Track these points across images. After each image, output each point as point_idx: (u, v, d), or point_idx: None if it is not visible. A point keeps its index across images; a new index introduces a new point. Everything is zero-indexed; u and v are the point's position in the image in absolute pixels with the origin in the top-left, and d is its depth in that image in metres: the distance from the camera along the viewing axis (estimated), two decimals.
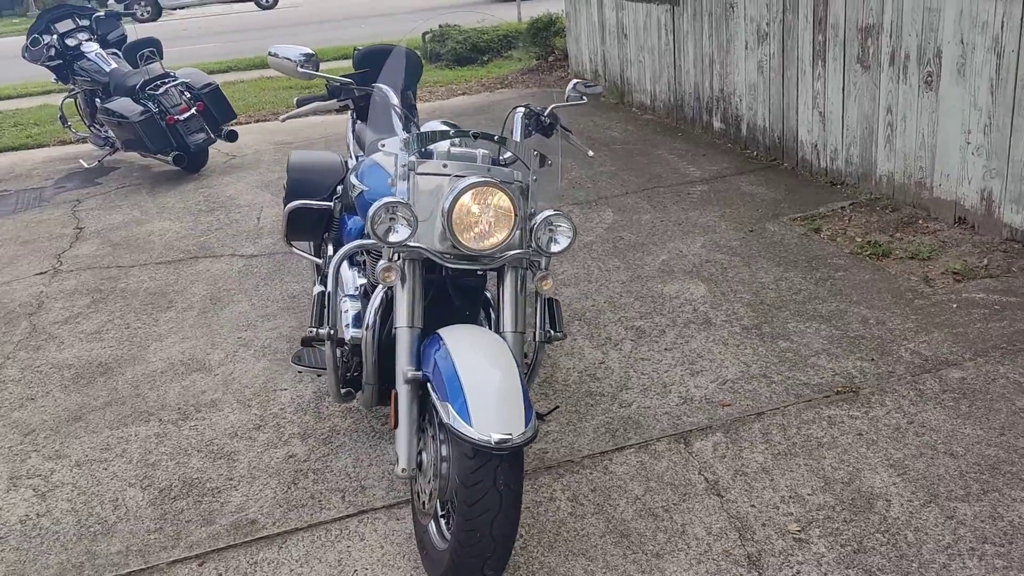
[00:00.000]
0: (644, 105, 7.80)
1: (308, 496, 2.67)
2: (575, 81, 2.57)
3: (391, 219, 2.15)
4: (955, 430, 2.69)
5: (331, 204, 3.39)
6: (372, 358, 2.51)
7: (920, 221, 4.48)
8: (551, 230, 2.25)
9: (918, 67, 4.43)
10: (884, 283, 3.80)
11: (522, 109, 2.57)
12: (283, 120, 2.70)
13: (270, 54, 2.61)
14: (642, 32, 7.64)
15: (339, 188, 3.39)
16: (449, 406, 1.96)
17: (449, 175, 2.24)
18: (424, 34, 12.77)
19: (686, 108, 7.00)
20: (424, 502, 2.21)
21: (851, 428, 2.76)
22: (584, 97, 2.64)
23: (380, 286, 2.50)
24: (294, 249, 3.65)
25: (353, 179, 2.63)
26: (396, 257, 2.26)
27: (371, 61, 3.54)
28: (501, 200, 2.17)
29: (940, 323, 3.38)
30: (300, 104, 2.70)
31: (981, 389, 2.90)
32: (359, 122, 3.54)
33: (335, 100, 2.57)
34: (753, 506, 2.44)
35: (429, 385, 2.14)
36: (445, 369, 2.04)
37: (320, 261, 3.45)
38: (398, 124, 2.45)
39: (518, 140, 2.48)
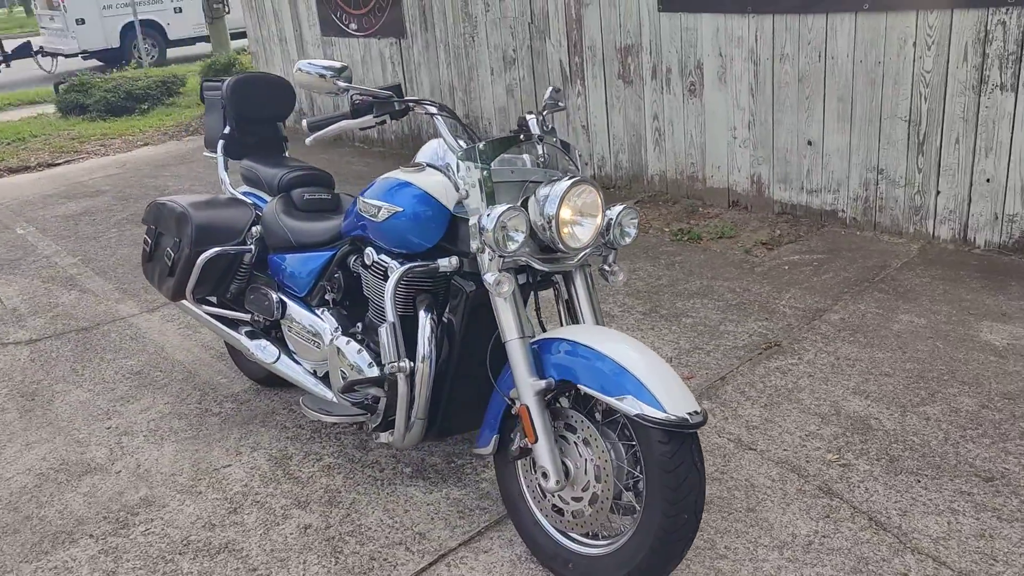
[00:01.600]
0: (372, 139, 7.83)
1: (369, 559, 2.37)
2: (551, 88, 2.65)
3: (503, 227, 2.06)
4: (872, 357, 3.26)
5: (250, 248, 3.01)
6: (427, 391, 2.33)
7: (700, 209, 5.20)
8: (620, 223, 2.31)
9: (681, 78, 5.15)
10: (719, 259, 4.38)
11: (533, 115, 2.56)
12: (311, 142, 2.39)
13: (299, 69, 2.28)
14: (360, 66, 7.67)
15: (254, 230, 3.02)
16: (632, 397, 1.93)
17: (523, 180, 2.20)
18: (57, 84, 11.32)
19: (424, 136, 7.18)
20: (572, 512, 2.12)
21: (801, 372, 3.19)
22: (560, 103, 2.72)
23: (424, 314, 2.34)
24: (187, 305, 3.16)
25: (376, 200, 2.40)
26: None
27: (248, 90, 3.22)
28: (592, 197, 2.18)
29: (787, 282, 4.01)
30: (313, 127, 2.39)
31: (860, 324, 3.53)
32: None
33: (369, 117, 2.32)
34: (786, 450, 2.73)
35: (569, 390, 2.08)
36: (603, 366, 2.00)
37: (247, 315, 3.04)
38: (448, 135, 2.30)
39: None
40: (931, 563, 2.20)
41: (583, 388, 2.03)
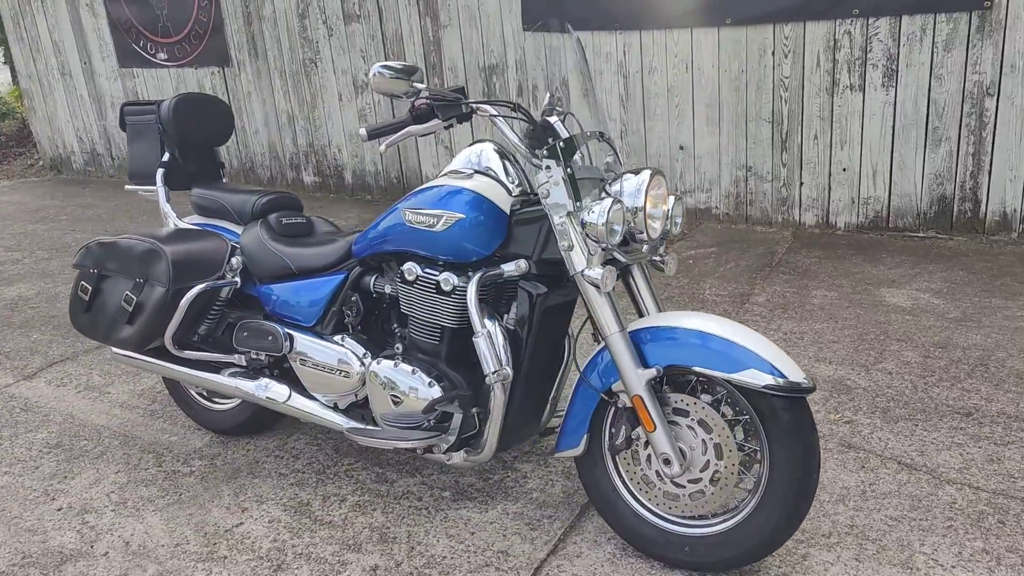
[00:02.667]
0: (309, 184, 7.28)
1: None
2: (548, 95, 2.68)
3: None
4: (813, 329, 3.59)
5: (235, 281, 2.73)
6: (504, 398, 2.26)
7: None
8: (672, 214, 2.38)
9: (547, 94, 5.33)
10: None
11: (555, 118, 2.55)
12: (385, 150, 2.18)
13: (378, 73, 2.09)
14: None
15: (234, 261, 2.74)
16: (753, 370, 2.00)
17: (591, 177, 2.22)
18: None
19: (259, 169, 6.81)
20: (689, 494, 2.14)
21: None
22: (558, 108, 2.75)
23: (490, 322, 2.27)
24: (135, 356, 2.79)
25: (431, 210, 2.27)
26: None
27: (191, 111, 2.93)
28: (663, 188, 2.24)
29: (700, 274, 4.30)
30: (372, 135, 2.20)
31: (785, 302, 3.87)
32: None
33: (436, 121, 2.17)
34: None
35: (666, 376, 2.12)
36: (712, 345, 2.05)
37: (232, 356, 2.73)
38: (512, 136, 2.22)
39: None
40: (969, 490, 2.48)
41: (700, 370, 2.06)
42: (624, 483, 2.28)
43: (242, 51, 6.52)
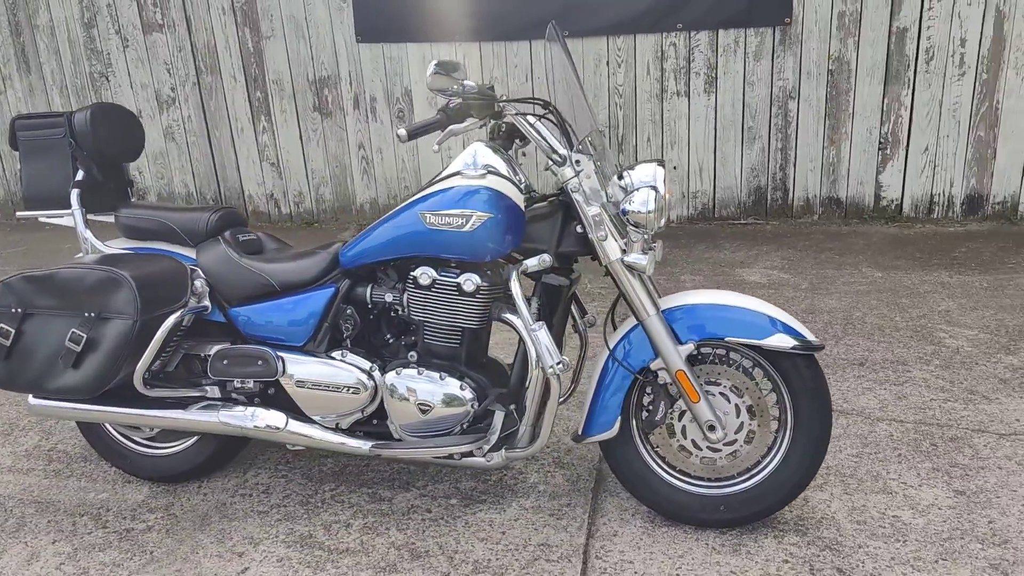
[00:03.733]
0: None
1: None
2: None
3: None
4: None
5: (206, 305, 2.47)
6: (560, 388, 2.30)
7: None
8: None
9: (388, 106, 5.30)
10: None
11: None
12: (438, 150, 2.04)
13: (435, 72, 1.96)
14: None
15: (198, 284, 2.48)
16: (780, 334, 2.23)
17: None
18: None
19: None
20: (725, 456, 2.31)
21: None
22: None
23: (512, 317, 2.30)
24: (58, 406, 2.46)
25: (459, 210, 2.22)
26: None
27: (112, 123, 2.62)
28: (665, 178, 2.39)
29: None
30: (413, 135, 2.07)
31: (663, 288, 4.21)
32: None
33: (473, 119, 2.10)
34: None
35: (708, 347, 2.28)
36: (738, 316, 2.25)
37: (209, 390, 2.46)
38: (549, 136, 2.22)
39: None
40: (896, 424, 2.91)
41: (732, 339, 2.25)
42: (653, 457, 2.40)
43: (9, 65, 5.71)
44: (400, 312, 2.43)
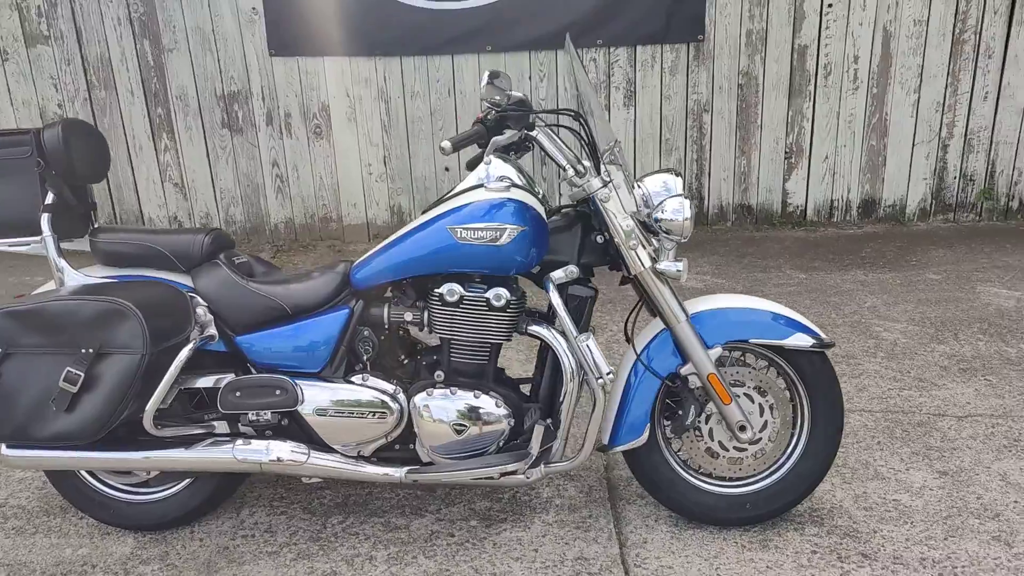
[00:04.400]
0: None
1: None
2: (488, 73, 2.61)
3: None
4: None
5: (212, 334, 2.29)
6: (604, 399, 2.29)
7: (342, 247, 5.26)
8: None
9: (304, 122, 5.10)
10: None
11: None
12: (490, 160, 2.00)
13: (488, 84, 1.89)
14: None
15: (200, 312, 2.29)
16: (799, 334, 2.32)
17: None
18: None
19: None
20: (752, 454, 2.37)
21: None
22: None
23: (545, 330, 2.29)
24: (49, 458, 2.21)
25: (493, 224, 2.17)
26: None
27: (84, 141, 2.40)
28: None
29: None
30: (457, 146, 2.02)
31: (613, 296, 4.28)
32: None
33: (512, 131, 2.06)
34: None
35: (733, 350, 2.34)
36: (758, 319, 2.33)
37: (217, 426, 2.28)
38: (564, 152, 2.19)
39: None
40: (868, 415, 3.10)
41: (756, 340, 2.33)
42: (678, 461, 2.44)
43: None
44: (419, 331, 2.36)
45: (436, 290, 2.28)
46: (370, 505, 2.61)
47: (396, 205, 5.29)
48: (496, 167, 2.33)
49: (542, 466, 2.30)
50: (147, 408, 2.16)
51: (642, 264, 2.25)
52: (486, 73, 2.11)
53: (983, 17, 4.95)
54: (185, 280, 2.33)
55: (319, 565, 2.34)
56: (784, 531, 2.43)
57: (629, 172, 2.31)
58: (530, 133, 2.28)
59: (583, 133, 2.30)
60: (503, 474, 2.29)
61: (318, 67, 5.01)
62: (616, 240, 2.25)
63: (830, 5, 4.93)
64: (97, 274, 2.35)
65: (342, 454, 2.33)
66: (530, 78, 5.04)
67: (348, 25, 4.88)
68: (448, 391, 2.28)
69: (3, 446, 2.25)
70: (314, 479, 2.37)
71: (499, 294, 2.25)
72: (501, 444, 2.30)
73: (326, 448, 2.32)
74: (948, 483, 2.63)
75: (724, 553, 2.34)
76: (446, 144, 2.09)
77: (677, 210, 2.20)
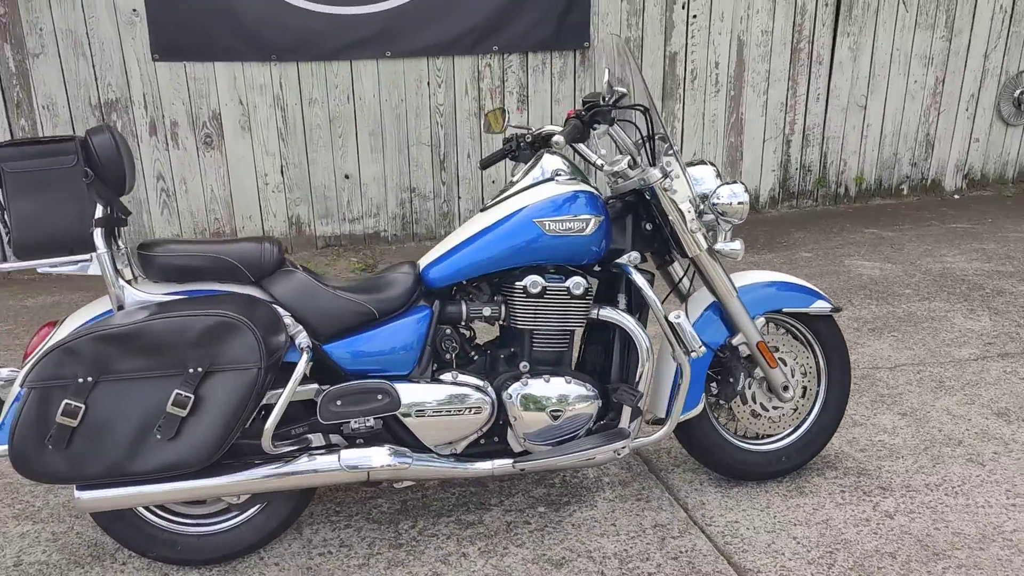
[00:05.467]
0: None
1: (674, 561, 2.34)
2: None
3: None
4: None
5: (311, 343, 2.20)
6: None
7: None
8: None
9: (193, 132, 4.79)
10: None
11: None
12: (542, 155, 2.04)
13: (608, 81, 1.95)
14: None
15: (288, 322, 2.19)
16: (820, 301, 2.64)
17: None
18: None
19: None
20: (789, 409, 2.65)
21: None
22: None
23: (619, 314, 2.45)
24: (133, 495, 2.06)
25: (580, 215, 2.27)
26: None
27: (126, 149, 2.24)
28: None
29: None
30: (569, 139, 2.28)
31: None
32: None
33: (602, 127, 2.16)
34: None
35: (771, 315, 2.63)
36: (787, 290, 2.63)
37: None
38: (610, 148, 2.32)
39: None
40: None
41: (789, 309, 2.63)
42: (721, 427, 2.68)
43: None
44: (492, 325, 2.42)
45: (518, 283, 2.36)
46: (432, 507, 2.61)
47: (295, 216, 5.12)
48: (548, 161, 2.46)
49: (629, 442, 2.45)
50: (267, 426, 2.05)
51: (699, 246, 2.46)
52: (607, 70, 2.23)
53: (815, 29, 5.69)
54: (252, 291, 2.22)
55: (418, 569, 2.33)
56: (810, 478, 2.75)
57: (683, 164, 2.51)
58: (610, 128, 2.42)
59: (643, 126, 2.47)
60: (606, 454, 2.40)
61: (208, 73, 4.74)
62: (675, 225, 2.44)
63: (695, 16, 5.44)
64: (157, 291, 2.17)
65: (436, 454, 2.33)
66: (428, 84, 5.10)
67: (241, 29, 4.67)
68: (542, 379, 2.36)
69: (75, 490, 2.03)
70: (406, 483, 2.35)
71: (578, 283, 2.37)
72: (592, 427, 2.42)
73: (423, 449, 2.31)
74: (912, 422, 3.10)
75: (773, 504, 2.61)
76: (559, 139, 2.19)
77: (733, 194, 2.43)
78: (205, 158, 4.87)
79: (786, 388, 2.62)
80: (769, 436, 2.72)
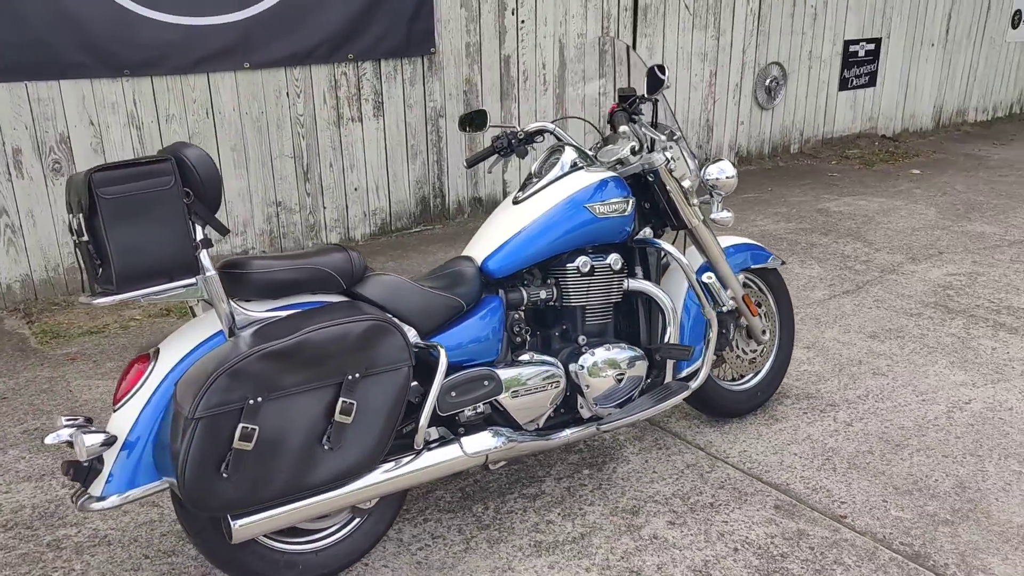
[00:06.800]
0: None
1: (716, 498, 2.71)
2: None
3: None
4: None
5: (420, 341, 2.28)
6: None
7: None
8: None
9: (39, 158, 4.30)
10: None
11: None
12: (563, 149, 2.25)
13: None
14: None
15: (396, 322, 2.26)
16: (772, 258, 3.16)
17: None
18: None
19: None
20: (763, 350, 3.13)
21: None
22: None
23: (650, 284, 2.79)
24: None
25: (619, 197, 2.55)
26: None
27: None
28: None
29: None
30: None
31: None
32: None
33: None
34: None
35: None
36: (752, 251, 3.11)
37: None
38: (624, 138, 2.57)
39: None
40: None
41: (756, 266, 3.11)
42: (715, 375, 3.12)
43: None
44: (552, 304, 2.63)
45: (569, 264, 2.60)
46: (491, 489, 2.77)
47: None
48: (568, 154, 2.73)
49: (691, 390, 2.79)
50: (421, 423, 2.10)
51: (700, 217, 2.86)
52: (654, 65, 2.52)
53: (618, 31, 6.37)
54: (332, 299, 2.24)
55: (518, 541, 2.51)
56: (777, 408, 3.28)
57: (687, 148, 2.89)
58: (642, 117, 2.73)
59: (651, 114, 2.81)
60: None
61: (53, 92, 4.29)
62: (677, 202, 2.81)
63: (523, 21, 5.85)
64: (259, 308, 2.12)
65: (525, 431, 2.50)
66: (287, 95, 5.01)
67: (88, 43, 4.28)
68: (603, 348, 2.63)
69: (234, 522, 1.95)
70: (500, 464, 2.49)
71: (616, 259, 2.68)
72: (644, 387, 2.72)
73: (517, 428, 2.48)
74: (817, 353, 3.76)
75: (762, 434, 3.10)
76: (625, 128, 2.45)
77: (722, 170, 2.86)
78: (55, 187, 4.39)
79: (764, 332, 3.10)
80: (743, 377, 3.20)
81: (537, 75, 6.04)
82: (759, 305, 3.12)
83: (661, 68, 2.66)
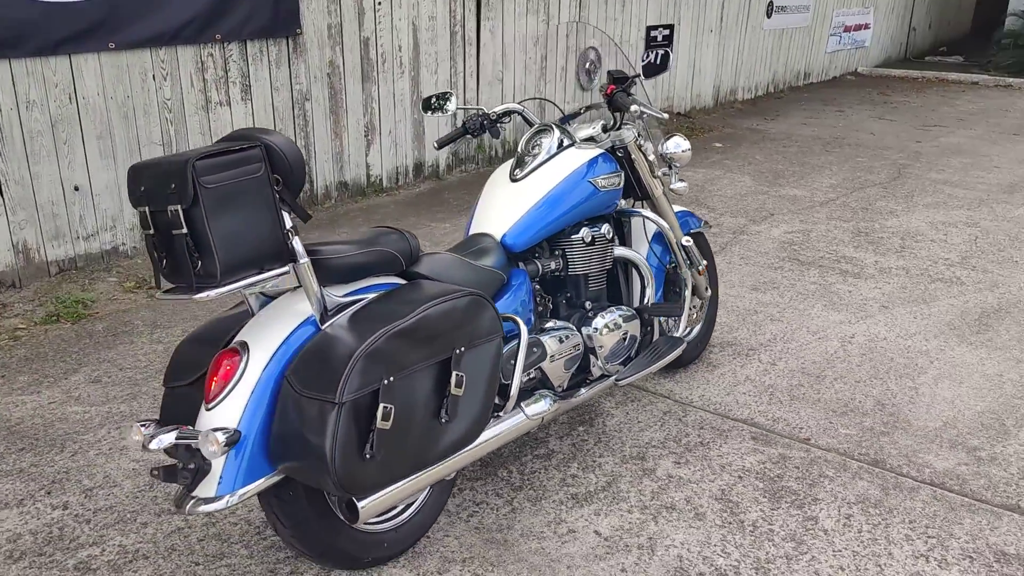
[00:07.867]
0: None
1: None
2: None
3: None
4: None
5: None
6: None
7: None
8: None
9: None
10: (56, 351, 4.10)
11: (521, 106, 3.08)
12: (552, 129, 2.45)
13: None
14: None
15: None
16: (701, 222, 3.56)
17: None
18: None
19: None
20: (700, 307, 3.51)
21: None
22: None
23: (630, 249, 3.07)
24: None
25: (613, 172, 2.78)
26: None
27: None
28: None
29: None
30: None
31: None
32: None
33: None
34: None
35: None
36: (687, 218, 3.49)
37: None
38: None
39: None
40: None
41: (693, 230, 3.48)
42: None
43: None
44: (557, 274, 2.82)
45: (574, 236, 2.81)
46: (501, 455, 2.93)
47: (21, 242, 4.28)
48: (555, 132, 2.93)
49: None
50: (512, 392, 2.21)
51: (664, 187, 3.18)
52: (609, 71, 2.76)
53: (464, 15, 6.54)
54: (399, 280, 2.30)
55: (554, 495, 2.69)
56: (711, 356, 3.72)
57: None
58: (636, 96, 2.96)
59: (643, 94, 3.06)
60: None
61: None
62: (642, 174, 3.11)
63: (379, 3, 5.85)
64: (337, 293, 2.14)
65: (556, 392, 2.69)
66: (154, 78, 4.67)
67: None
68: (607, 311, 2.86)
69: (357, 502, 1.98)
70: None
71: (608, 228, 2.93)
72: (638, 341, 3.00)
73: (552, 390, 2.65)
74: (719, 306, 4.24)
75: (710, 380, 3.52)
76: (636, 108, 2.69)
77: (678, 144, 3.18)
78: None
79: (707, 289, 3.50)
80: (685, 331, 3.58)
81: (395, 57, 6.07)
82: (703, 264, 3.50)
83: (620, 71, 2.97)
